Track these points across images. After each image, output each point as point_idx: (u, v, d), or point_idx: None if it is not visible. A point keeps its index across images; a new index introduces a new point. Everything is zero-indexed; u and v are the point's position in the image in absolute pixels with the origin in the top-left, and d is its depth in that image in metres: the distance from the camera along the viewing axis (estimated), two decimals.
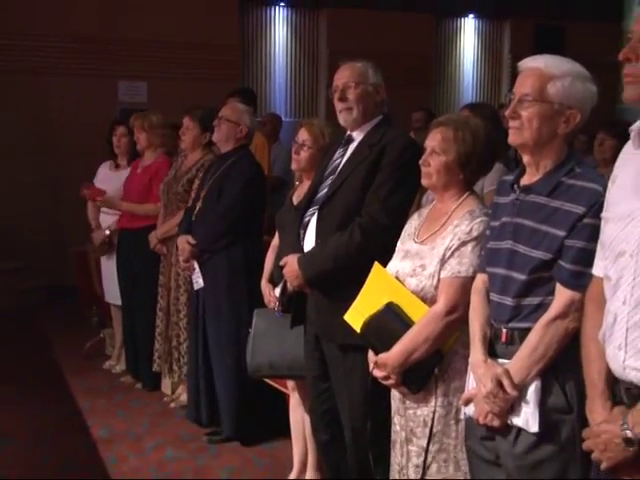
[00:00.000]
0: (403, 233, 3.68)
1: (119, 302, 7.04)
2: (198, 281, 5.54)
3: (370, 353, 3.56)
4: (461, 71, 13.39)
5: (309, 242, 4.12)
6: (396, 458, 3.59)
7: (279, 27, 12.27)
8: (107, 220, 7.06)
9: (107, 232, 6.88)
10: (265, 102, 11.87)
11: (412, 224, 3.67)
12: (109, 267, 7.04)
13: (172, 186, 6.19)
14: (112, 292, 7.09)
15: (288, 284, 4.27)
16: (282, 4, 12.15)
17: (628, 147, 2.55)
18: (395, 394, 3.57)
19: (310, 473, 4.83)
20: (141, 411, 6.27)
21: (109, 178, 7.13)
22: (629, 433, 2.34)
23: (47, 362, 7.53)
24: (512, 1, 12.52)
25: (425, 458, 3.44)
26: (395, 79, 10.14)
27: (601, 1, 11.51)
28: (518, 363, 2.90)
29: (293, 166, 4.78)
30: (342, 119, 4.17)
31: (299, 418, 4.85)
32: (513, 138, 2.97)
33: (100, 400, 6.48)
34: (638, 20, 2.42)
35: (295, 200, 4.62)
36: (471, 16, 13.30)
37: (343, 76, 4.16)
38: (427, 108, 9.26)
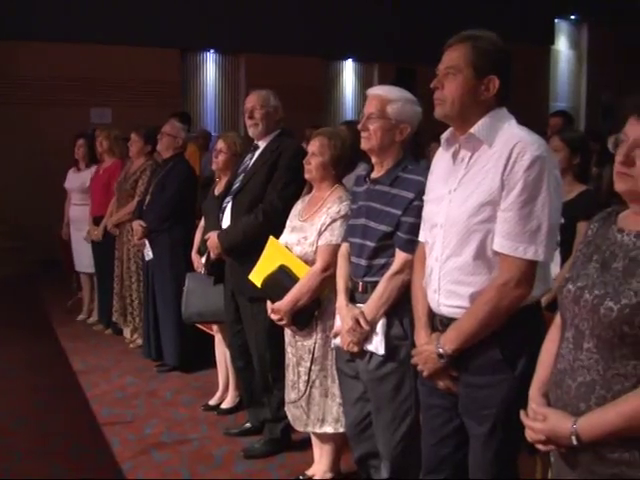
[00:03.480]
0: (291, 214, 3.69)
1: (86, 270, 7.00)
2: (148, 254, 5.51)
3: (268, 302, 3.58)
4: (343, 100, 13.39)
5: (226, 222, 4.13)
6: (289, 376, 3.63)
7: (210, 67, 12.15)
8: (75, 210, 7.02)
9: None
10: (199, 121, 11.77)
11: (297, 207, 3.69)
12: (78, 243, 6.94)
13: (122, 185, 6.19)
14: (80, 263, 7.02)
15: (211, 254, 4.26)
16: (212, 51, 12.05)
17: (440, 149, 2.60)
18: (288, 331, 3.60)
19: (231, 391, 4.83)
20: (109, 350, 6.20)
21: (73, 178, 7.08)
22: (441, 350, 2.40)
23: (40, 315, 7.42)
24: (380, 49, 12.59)
25: (309, 375, 3.49)
26: (295, 105, 10.22)
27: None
28: (370, 306, 2.96)
29: (213, 167, 4.76)
30: (251, 132, 4.17)
31: (222, 352, 4.84)
32: (364, 144, 3.01)
33: (79, 342, 6.39)
34: (443, 61, 2.45)
35: (216, 192, 4.60)
36: (350, 60, 13.32)
37: (251, 100, 4.16)
38: (318, 125, 9.31)
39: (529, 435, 1.93)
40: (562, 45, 16.22)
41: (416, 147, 3.58)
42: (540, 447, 1.91)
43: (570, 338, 1.89)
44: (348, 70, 13.38)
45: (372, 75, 13.36)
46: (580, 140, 4.17)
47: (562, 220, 3.81)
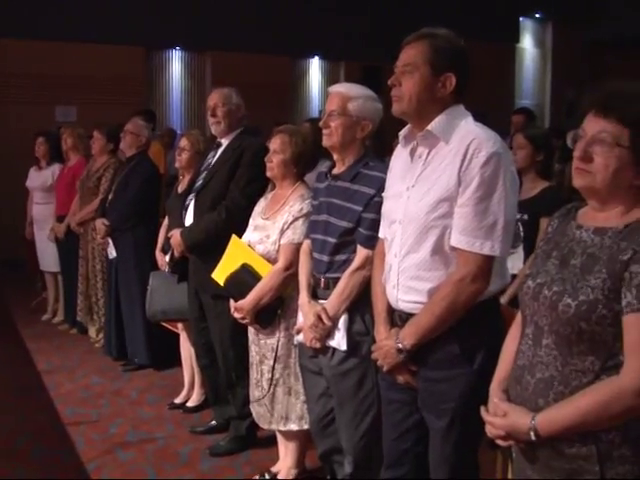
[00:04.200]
0: (254, 212, 3.67)
1: (51, 269, 6.92)
2: (112, 252, 5.46)
3: (231, 301, 3.56)
4: (309, 98, 13.34)
5: (189, 220, 4.09)
6: (253, 374, 3.61)
7: (176, 65, 12.05)
8: (38, 209, 6.93)
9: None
10: (165, 119, 11.67)
11: (260, 205, 3.67)
12: (42, 242, 6.84)
13: (85, 183, 6.11)
14: (45, 262, 6.93)
15: (174, 252, 4.23)
16: (178, 48, 11.96)
17: (399, 146, 2.60)
18: (251, 329, 3.58)
19: (197, 389, 4.81)
20: (74, 350, 6.12)
21: (35, 177, 6.97)
22: (400, 345, 2.41)
23: (4, 316, 7.28)
24: (346, 47, 12.60)
25: (273, 373, 3.48)
26: (261, 103, 10.21)
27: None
28: (332, 302, 2.96)
29: (176, 165, 4.72)
30: (213, 130, 4.14)
31: (187, 350, 4.80)
32: (326, 141, 3.01)
33: (43, 343, 6.29)
34: (401, 58, 2.45)
35: (180, 190, 4.56)
36: (317, 58, 13.30)
37: (214, 98, 4.12)
38: (284, 123, 9.27)
39: (489, 430, 1.93)
40: (527, 43, 16.34)
41: (380, 145, 3.59)
42: (500, 442, 1.91)
43: (530, 334, 1.90)
44: (314, 68, 13.35)
45: (338, 73, 13.35)
46: (543, 137, 4.22)
47: (525, 216, 3.92)
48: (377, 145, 3.59)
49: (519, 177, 3.95)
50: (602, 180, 1.76)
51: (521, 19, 15.77)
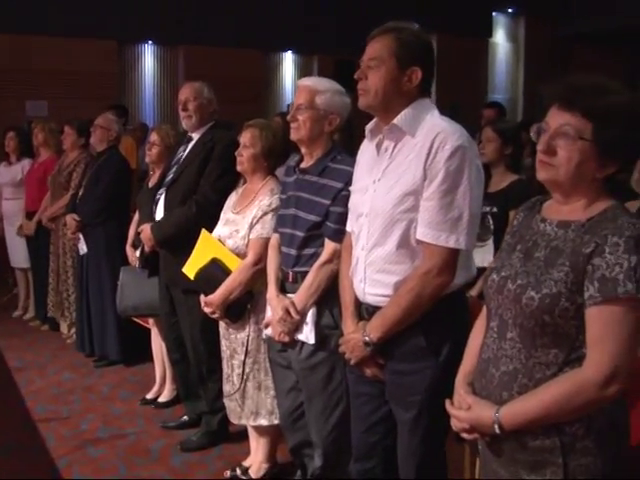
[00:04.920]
0: (225, 206, 3.64)
1: (21, 266, 6.84)
2: (83, 248, 5.40)
3: (202, 295, 3.53)
4: (282, 92, 13.32)
5: (159, 214, 4.05)
6: (224, 369, 3.59)
7: (148, 59, 12.01)
8: (8, 205, 6.82)
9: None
10: (137, 114, 11.61)
11: (231, 199, 3.65)
12: (12, 238, 6.74)
13: (56, 178, 6.04)
14: (15, 258, 6.84)
15: (145, 246, 4.20)
16: (150, 42, 11.88)
17: (365, 140, 2.59)
18: (222, 324, 3.56)
19: (168, 384, 4.78)
20: (45, 346, 6.05)
21: (4, 172, 6.84)
22: (367, 338, 2.41)
23: None
24: (319, 41, 12.59)
25: (244, 368, 3.47)
26: (234, 97, 10.17)
27: None
28: (300, 296, 2.94)
29: (147, 159, 4.67)
30: (184, 124, 4.10)
31: (158, 345, 4.77)
32: (293, 135, 2.99)
33: (14, 339, 6.21)
34: (367, 52, 2.44)
35: (150, 184, 4.51)
36: (290, 52, 13.28)
37: (185, 92, 4.08)
38: (256, 116, 9.25)
39: (454, 424, 1.93)
40: (500, 38, 16.41)
41: (350, 139, 3.58)
42: (465, 436, 1.91)
43: (494, 328, 1.90)
44: (288, 62, 13.34)
45: (311, 67, 13.35)
46: (512, 131, 4.23)
47: (495, 209, 3.94)
48: (347, 139, 3.58)
49: (489, 170, 4.02)
50: (565, 173, 1.76)
51: (494, 14, 15.84)
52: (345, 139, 3.60)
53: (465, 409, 1.89)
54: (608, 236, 1.68)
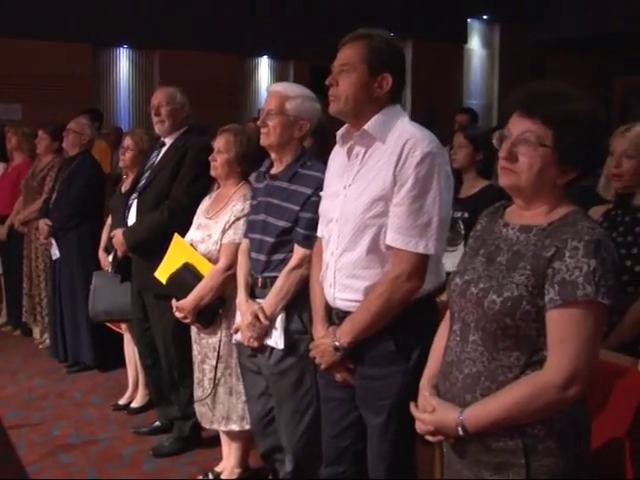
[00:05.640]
0: (198, 210, 3.65)
1: None
2: (55, 253, 5.38)
3: (173, 300, 3.53)
4: (258, 97, 13.29)
5: (132, 219, 4.05)
6: (195, 374, 3.59)
7: (123, 62, 11.98)
8: None
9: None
10: (112, 118, 11.57)
11: (204, 203, 3.65)
12: None
13: (30, 182, 6.01)
14: None
15: (117, 251, 4.18)
16: (126, 46, 11.84)
17: (337, 145, 2.61)
18: (194, 328, 3.56)
19: (141, 390, 4.76)
20: (17, 352, 6.01)
21: None
22: (337, 343, 2.42)
23: None
24: (296, 46, 12.60)
25: (215, 373, 3.47)
26: (210, 101, 10.17)
27: None
28: (269, 301, 2.95)
29: (120, 164, 4.68)
30: (157, 129, 4.10)
31: (131, 350, 4.75)
32: (263, 140, 3.00)
33: None
34: (338, 58, 2.48)
35: (123, 189, 4.51)
36: (265, 57, 13.28)
37: (158, 97, 4.09)
38: (232, 121, 9.26)
39: (418, 427, 1.95)
40: (475, 44, 16.54)
41: (324, 144, 3.60)
42: (429, 438, 1.93)
43: (457, 331, 1.93)
44: (263, 67, 13.36)
45: (287, 72, 13.38)
46: (483, 137, 4.26)
47: (466, 214, 3.97)
48: (321, 145, 3.59)
49: (460, 176, 4.05)
50: (527, 179, 1.80)
51: (469, 20, 15.97)
52: (319, 145, 3.62)
53: (429, 412, 1.91)
54: (568, 240, 1.71)
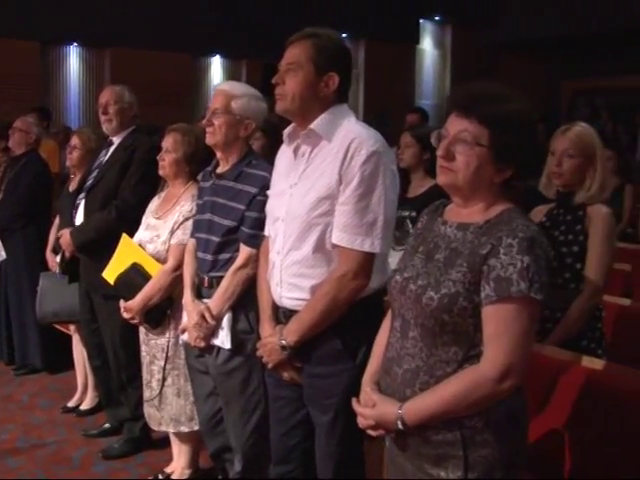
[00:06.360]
0: (147, 210, 3.63)
1: None
2: (1, 254, 5.31)
3: (121, 301, 3.51)
4: (211, 97, 13.16)
5: (79, 219, 4.02)
6: (144, 374, 3.57)
7: (73, 61, 11.82)
8: None
9: None
10: (62, 117, 11.42)
11: (153, 203, 3.64)
12: None
13: None
14: None
15: (65, 252, 4.15)
16: (75, 44, 11.69)
17: (283, 144, 2.63)
18: (142, 329, 3.54)
19: (90, 391, 4.72)
20: None
21: None
22: (284, 342, 2.43)
23: None
24: (248, 45, 12.59)
25: (164, 374, 3.45)
26: (161, 100, 10.11)
27: None
28: (215, 301, 2.96)
29: (67, 163, 4.62)
30: (104, 128, 4.08)
31: (79, 352, 4.72)
32: (209, 139, 3.00)
33: None
34: (285, 57, 2.49)
35: (71, 189, 4.47)
36: (218, 56, 13.24)
37: (105, 95, 4.07)
38: (183, 121, 9.20)
39: (360, 421, 1.99)
40: (427, 45, 16.69)
41: (276, 143, 3.61)
42: (371, 432, 1.97)
43: (398, 327, 1.96)
44: (216, 66, 13.31)
45: (240, 71, 13.34)
46: (430, 136, 4.31)
47: (414, 213, 4.01)
48: (273, 145, 3.60)
49: (408, 175, 4.09)
50: (464, 178, 1.85)
51: (421, 21, 16.10)
52: (271, 144, 3.63)
53: (370, 406, 1.95)
54: (503, 237, 1.76)
